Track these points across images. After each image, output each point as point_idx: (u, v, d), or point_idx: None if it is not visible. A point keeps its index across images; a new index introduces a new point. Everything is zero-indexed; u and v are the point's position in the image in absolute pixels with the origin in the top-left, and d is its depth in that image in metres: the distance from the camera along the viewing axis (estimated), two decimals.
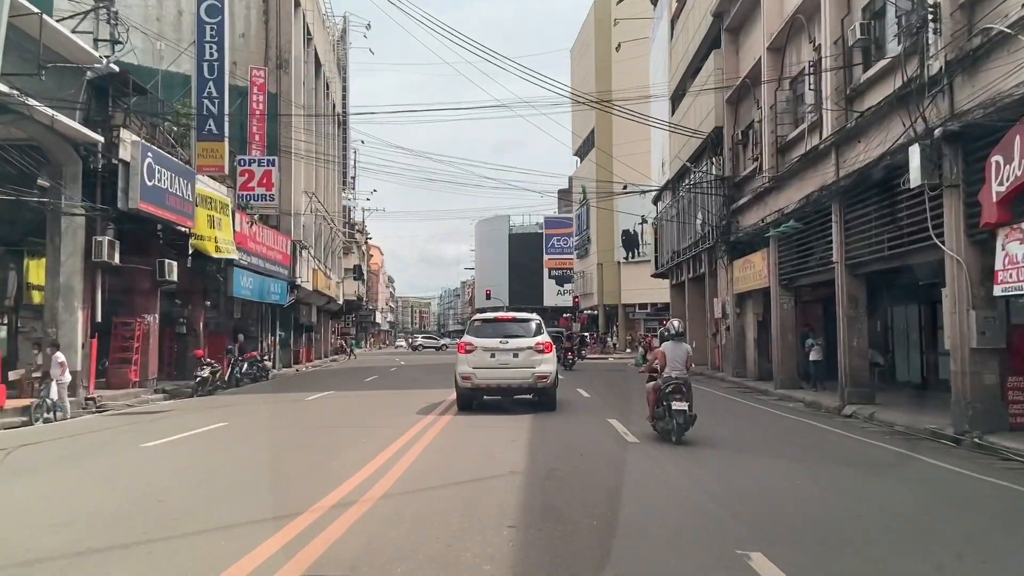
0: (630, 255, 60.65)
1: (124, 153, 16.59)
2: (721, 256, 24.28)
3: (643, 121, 28.55)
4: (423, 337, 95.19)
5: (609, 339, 58.33)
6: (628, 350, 56.28)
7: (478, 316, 15.63)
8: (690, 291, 31.49)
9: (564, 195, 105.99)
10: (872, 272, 14.93)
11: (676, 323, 11.02)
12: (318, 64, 39.94)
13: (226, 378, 23.11)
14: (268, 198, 23.75)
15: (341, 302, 51.91)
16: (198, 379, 19.93)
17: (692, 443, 10.17)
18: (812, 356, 18.13)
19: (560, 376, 15.15)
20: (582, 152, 72.77)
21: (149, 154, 17.06)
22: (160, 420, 14.18)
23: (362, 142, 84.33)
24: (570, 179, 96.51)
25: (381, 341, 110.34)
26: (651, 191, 35.59)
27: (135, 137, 17.03)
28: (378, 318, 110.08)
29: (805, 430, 12.79)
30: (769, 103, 19.37)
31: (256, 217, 28.22)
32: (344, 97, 52.69)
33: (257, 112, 26.44)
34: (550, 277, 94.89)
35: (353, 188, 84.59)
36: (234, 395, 20.25)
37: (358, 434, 11.43)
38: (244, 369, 24.25)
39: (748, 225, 21.50)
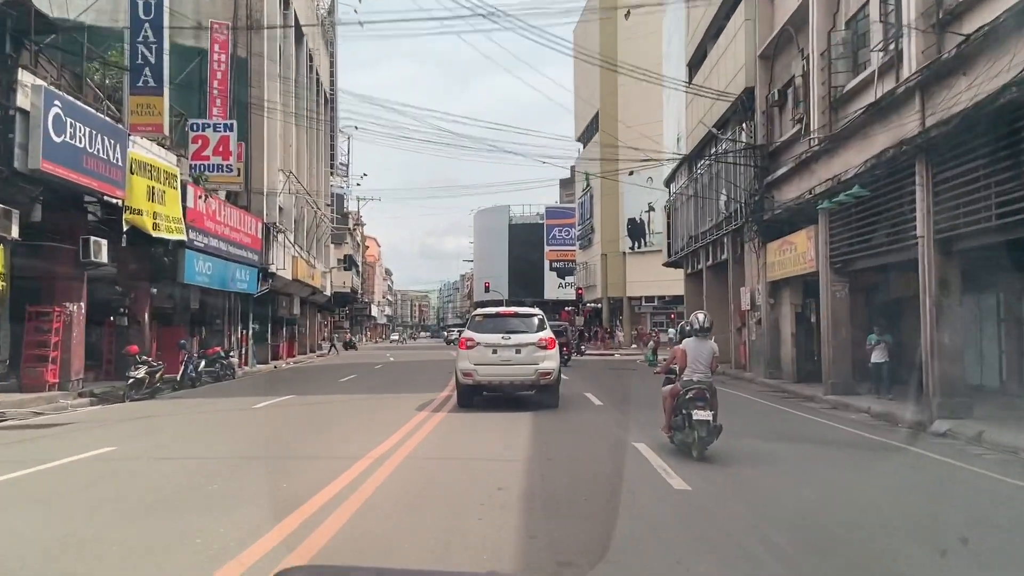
0: (636, 245, 57.32)
1: (23, 100, 13.27)
2: (751, 239, 20.95)
3: (657, 81, 25.25)
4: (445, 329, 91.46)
5: (618, 333, 54.93)
6: (634, 345, 53.00)
7: (479, 311, 15.14)
8: (709, 281, 28.16)
9: (566, 185, 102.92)
10: (970, 249, 11.58)
11: (701, 316, 9.14)
12: (299, 33, 36.56)
13: (179, 378, 19.92)
14: (226, 168, 20.46)
15: (329, 293, 48.61)
16: (131, 380, 16.63)
17: (725, 461, 8.37)
18: (875, 357, 14.80)
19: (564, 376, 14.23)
20: (586, 137, 69.38)
21: (57, 103, 13.73)
22: (40, 439, 10.86)
23: (356, 128, 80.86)
24: (572, 168, 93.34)
25: (378, 335, 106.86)
26: (672, 159, 32.06)
27: (38, 80, 13.69)
28: (374, 311, 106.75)
29: (894, 457, 9.51)
30: (819, 49, 16.01)
31: (223, 196, 24.96)
32: (332, 75, 49.32)
33: (218, 74, 23.09)
34: (551, 269, 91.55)
35: (346, 176, 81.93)
36: (176, 399, 16.96)
37: (283, 470, 8.11)
38: (201, 367, 21.00)
39: (787, 200, 18.16)
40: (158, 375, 17.50)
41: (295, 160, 36.64)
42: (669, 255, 33.61)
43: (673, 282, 55.03)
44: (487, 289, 77.28)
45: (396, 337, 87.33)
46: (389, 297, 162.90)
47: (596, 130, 63.65)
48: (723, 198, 23.53)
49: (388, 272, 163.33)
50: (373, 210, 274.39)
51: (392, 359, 38.30)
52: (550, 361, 13.40)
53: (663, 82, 26.43)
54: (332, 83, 49.17)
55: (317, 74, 42.10)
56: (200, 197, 20.45)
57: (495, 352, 13.29)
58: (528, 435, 10.48)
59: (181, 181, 19.66)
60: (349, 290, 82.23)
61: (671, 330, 49.19)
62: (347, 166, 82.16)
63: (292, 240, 33.91)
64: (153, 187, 17.69)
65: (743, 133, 21.25)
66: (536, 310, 15.19)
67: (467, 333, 13.96)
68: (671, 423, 8.95)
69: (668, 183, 35.52)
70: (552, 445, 9.71)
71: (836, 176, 14.98)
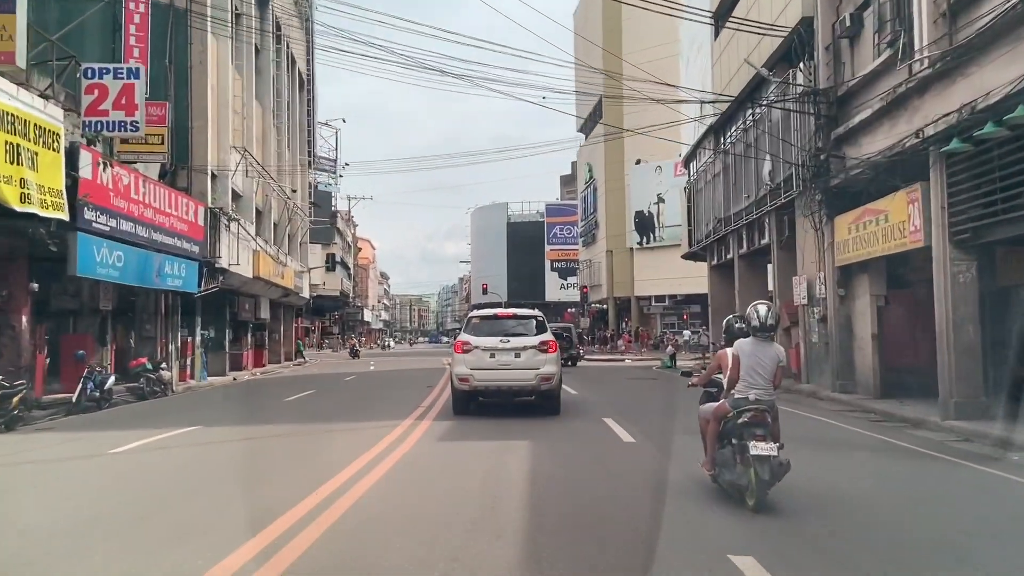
0: (645, 240, 52.71)
1: None
2: (811, 212, 16.26)
3: (679, 14, 20.57)
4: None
5: (629, 336, 50.05)
6: (644, 349, 48.34)
7: (476, 313, 14.58)
8: (742, 272, 23.53)
9: (567, 181, 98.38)
10: None
11: (763, 309, 6.51)
12: None
13: (75, 399, 15.34)
14: (130, 127, 15.78)
15: (307, 296, 43.94)
16: None
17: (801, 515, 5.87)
18: None
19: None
20: (588, 126, 64.74)
21: None
22: None
23: (343, 120, 76.32)
24: (573, 164, 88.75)
25: (373, 340, 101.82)
26: (703, 103, 27.43)
27: None
28: (367, 316, 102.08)
29: None
30: None
31: (159, 177, 20.39)
32: (309, 56, 44.71)
33: (136, 16, 18.46)
34: (552, 270, 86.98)
35: (333, 172, 77.36)
36: (23, 436, 12.26)
37: None
38: (110, 384, 16.38)
39: (870, 153, 13.47)
40: (16, 398, 12.80)
41: (260, 143, 32.02)
42: (691, 244, 28.92)
43: (686, 279, 50.49)
44: (485, 291, 72.75)
45: (391, 343, 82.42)
46: (386, 301, 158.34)
47: (599, 117, 59.03)
48: (767, 167, 18.86)
49: (384, 276, 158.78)
50: (371, 214, 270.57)
51: (373, 367, 33.64)
52: (551, 365, 12.74)
53: (686, 13, 21.61)
54: (309, 65, 44.59)
55: (288, 48, 37.48)
56: (100, 165, 15.79)
57: (493, 356, 12.63)
58: (524, 521, 5.83)
59: (70, 143, 15.03)
60: (338, 293, 77.74)
61: (686, 332, 44.57)
62: (335, 162, 78.01)
63: (253, 232, 29.26)
64: (17, 145, 13.04)
65: (800, 74, 16.54)
66: (536, 311, 14.22)
67: (463, 336, 13.24)
68: (715, 456, 6.64)
69: (688, 162, 30.87)
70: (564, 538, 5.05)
71: (966, 105, 10.30)
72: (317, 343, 78.56)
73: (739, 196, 22.35)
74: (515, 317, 13.69)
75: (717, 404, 6.71)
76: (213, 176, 24.75)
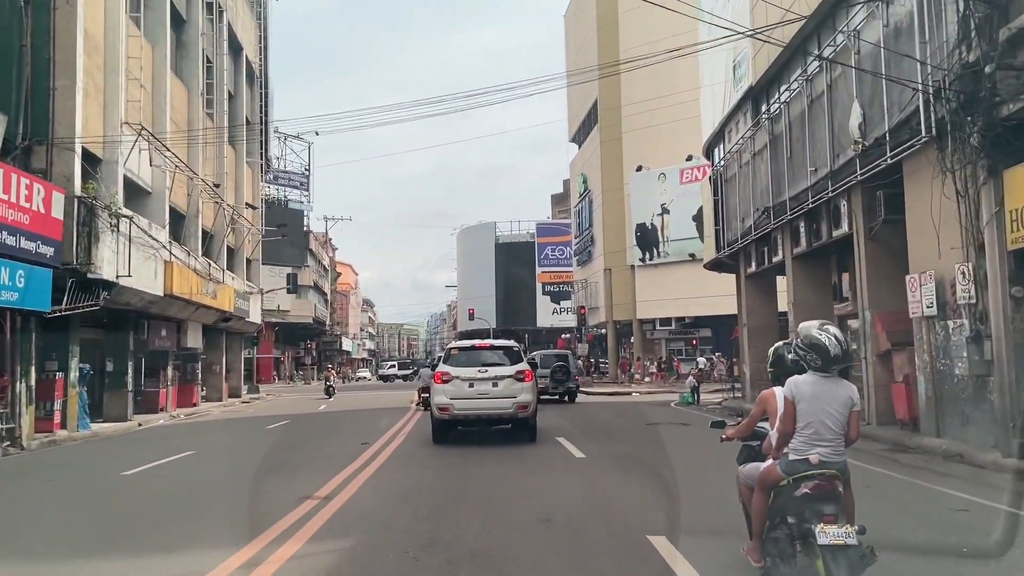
0: (647, 256, 46.72)
1: None
2: (955, 167, 10.22)
3: None
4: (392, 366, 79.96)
5: (647, 364, 43.56)
6: (648, 379, 42.21)
7: (454, 344, 15.40)
8: (798, 278, 17.53)
9: (559, 200, 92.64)
10: None
11: (834, 332, 4.41)
12: None
13: None
14: None
15: (256, 320, 37.65)
16: None
17: None
18: None
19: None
20: (581, 135, 59.12)
21: None
22: None
23: (316, 133, 70.49)
24: (565, 182, 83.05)
25: (353, 370, 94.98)
26: (749, 34, 21.48)
27: None
28: (347, 345, 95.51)
29: None
30: None
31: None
32: (263, 48, 38.89)
33: None
34: (544, 293, 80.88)
35: (306, 189, 71.38)
36: None
37: None
38: None
39: None
40: None
41: (181, 130, 26.00)
42: (718, 249, 22.85)
43: (696, 300, 44.36)
44: (471, 317, 66.63)
45: (366, 375, 75.89)
46: (371, 330, 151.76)
47: (594, 121, 53.41)
48: (855, 117, 12.86)
49: (369, 303, 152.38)
50: (361, 242, 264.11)
51: (323, 408, 27.34)
52: (527, 394, 13.27)
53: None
54: (263, 59, 38.78)
55: (230, 28, 31.62)
56: None
57: (472, 386, 13.13)
58: None
59: None
60: (311, 320, 71.38)
61: (700, 359, 38.45)
62: (308, 178, 72.13)
63: (165, 238, 23.11)
64: None
65: None
66: (512, 342, 15.22)
67: (442, 367, 13.74)
68: (762, 537, 4.62)
69: (710, 149, 24.96)
70: None
71: None
72: (288, 374, 72.04)
73: (797, 174, 16.36)
74: (492, 348, 14.26)
75: (765, 466, 4.65)
76: (92, 158, 18.68)
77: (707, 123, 24.24)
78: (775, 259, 19.01)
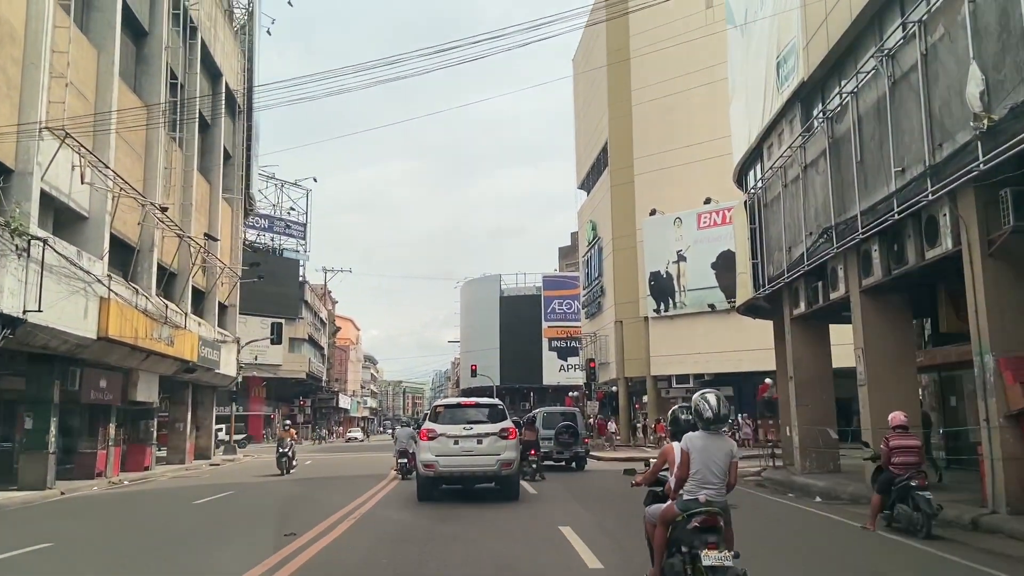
0: (662, 307, 42.98)
1: None
2: None
3: None
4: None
5: (641, 426, 39.18)
6: (663, 437, 37.93)
7: (440, 402, 15.55)
8: (870, 316, 13.81)
9: (566, 254, 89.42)
10: None
11: (713, 398, 5.73)
12: None
13: None
14: None
15: (231, 373, 33.86)
16: None
17: None
18: None
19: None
20: (590, 180, 56.08)
21: None
22: None
23: (315, 179, 67.79)
24: (573, 234, 79.93)
25: (350, 428, 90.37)
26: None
27: None
28: (344, 402, 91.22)
29: None
30: None
31: None
32: (248, 78, 36.06)
33: None
34: (550, 349, 77.10)
35: (303, 238, 68.28)
36: None
37: None
38: None
39: None
40: None
41: (136, 151, 22.78)
42: (756, 287, 19.10)
43: (715, 356, 40.45)
44: (474, 373, 62.77)
45: (358, 435, 71.58)
46: (373, 387, 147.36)
47: (604, 166, 50.34)
48: (975, 83, 9.31)
49: (371, 360, 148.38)
50: (368, 300, 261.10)
51: (287, 475, 23.36)
52: (511, 451, 13.57)
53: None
54: (247, 90, 35.92)
55: (203, 47, 28.71)
56: None
57: (457, 443, 13.37)
58: None
59: None
60: (304, 375, 67.44)
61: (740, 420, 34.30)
62: (305, 226, 69.07)
63: (102, 270, 19.58)
64: None
65: None
66: (496, 400, 15.48)
67: (428, 425, 13.94)
68: (662, 567, 5.86)
69: (742, 172, 21.47)
70: None
71: None
72: (277, 433, 67.74)
73: (872, 182, 12.76)
74: (477, 405, 14.55)
75: (664, 506, 5.99)
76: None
77: (738, 143, 20.80)
78: (833, 295, 15.29)
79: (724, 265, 39.87)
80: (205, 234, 25.65)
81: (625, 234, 46.12)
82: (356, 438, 68.32)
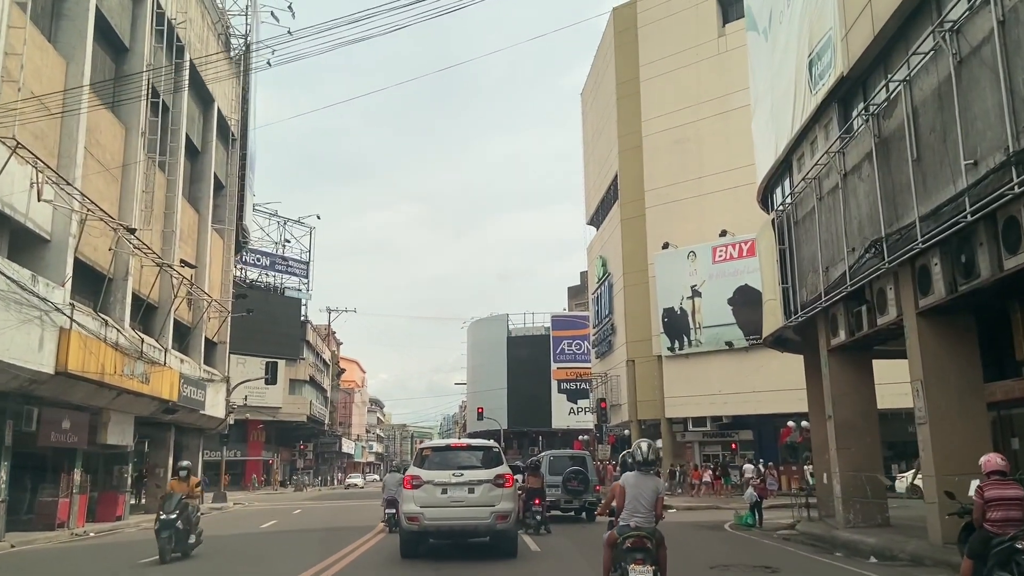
0: (676, 345, 40.86)
1: None
2: None
3: None
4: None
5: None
6: (681, 489, 35.78)
7: (427, 444, 13.57)
8: (930, 342, 11.78)
9: (575, 293, 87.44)
10: None
11: (645, 446, 7.55)
12: None
13: None
14: None
15: (219, 415, 31.81)
16: None
17: None
18: None
19: None
20: (600, 215, 54.43)
21: None
22: None
23: (318, 217, 66.41)
24: (583, 274, 78.10)
25: (351, 473, 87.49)
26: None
27: None
28: (347, 446, 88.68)
29: None
30: None
31: None
32: (244, 111, 34.75)
33: None
34: (560, 391, 74.58)
35: (305, 276, 66.66)
36: None
37: None
38: None
39: None
40: None
41: (106, 172, 21.18)
42: (787, 315, 17.06)
43: (736, 397, 38.08)
44: (480, 416, 60.52)
45: (358, 481, 68.96)
46: (379, 432, 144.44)
47: (614, 199, 48.67)
48: None
49: (378, 403, 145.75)
50: (375, 344, 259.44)
51: (264, 527, 21.20)
52: (507, 502, 11.74)
53: None
54: (242, 118, 34.59)
55: (196, 73, 27.36)
56: None
57: (445, 492, 11.55)
58: None
59: None
60: (305, 418, 65.16)
61: (748, 467, 31.92)
62: (308, 264, 67.48)
63: (64, 300, 17.77)
64: None
65: None
66: (491, 442, 13.23)
67: (412, 470, 12.11)
68: None
69: (767, 191, 19.59)
70: None
71: None
72: (278, 479, 65.23)
73: (932, 182, 10.84)
74: (469, 448, 12.78)
75: (609, 532, 7.40)
76: None
77: (763, 159, 18.95)
78: (882, 320, 13.27)
79: (741, 300, 37.88)
80: (181, 261, 23.82)
81: (636, 269, 44.22)
82: (356, 484, 65.68)
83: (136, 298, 23.09)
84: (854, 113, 13.68)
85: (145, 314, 24.30)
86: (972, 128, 9.80)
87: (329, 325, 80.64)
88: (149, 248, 22.32)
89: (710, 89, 41.02)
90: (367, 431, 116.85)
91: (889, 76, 12.03)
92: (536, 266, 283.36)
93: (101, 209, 18.90)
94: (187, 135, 27.58)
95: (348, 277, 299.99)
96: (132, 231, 19.67)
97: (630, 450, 8.08)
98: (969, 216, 9.71)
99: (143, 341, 22.63)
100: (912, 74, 11.26)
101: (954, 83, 9.99)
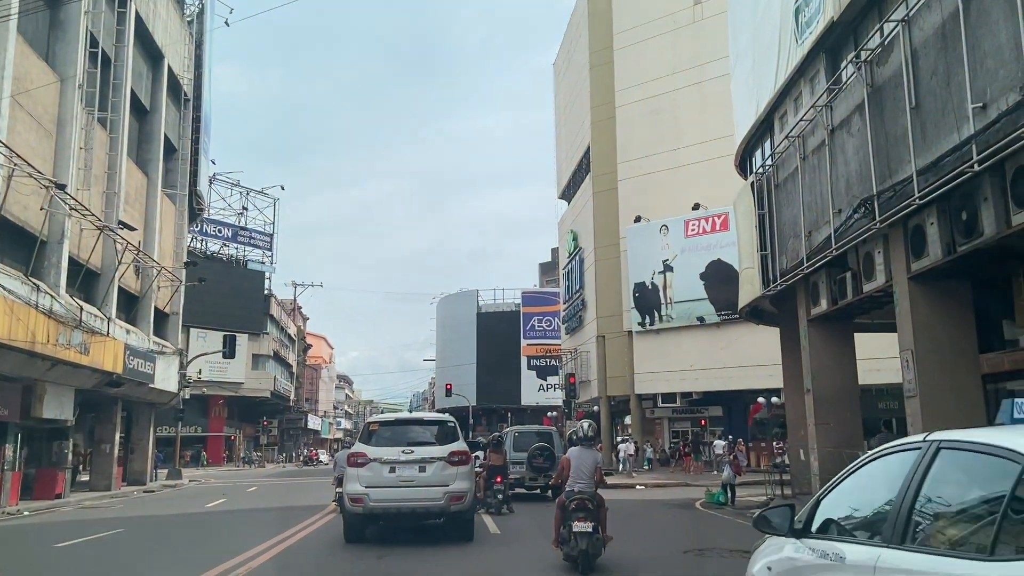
0: (647, 320, 40.03)
1: None
2: None
3: None
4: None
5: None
6: (631, 464, 35.12)
7: (375, 418, 12.66)
8: (922, 309, 10.89)
9: (546, 270, 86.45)
10: None
11: (586, 425, 9.32)
12: None
13: None
14: None
15: (173, 388, 30.36)
16: None
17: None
18: None
19: None
20: (571, 189, 53.33)
21: None
22: None
23: (282, 187, 64.55)
24: (554, 250, 77.09)
25: (321, 448, 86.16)
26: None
27: None
28: (313, 423, 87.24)
29: None
30: None
31: None
32: (197, 71, 32.95)
33: None
34: (529, 368, 73.82)
35: (269, 249, 64.77)
36: None
37: None
38: None
39: None
40: None
41: (38, 123, 19.58)
42: (765, 284, 16.13)
43: (707, 373, 37.45)
44: (449, 392, 59.52)
45: (324, 458, 67.59)
46: (348, 409, 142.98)
47: (586, 172, 47.56)
48: None
49: (347, 380, 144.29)
50: (347, 321, 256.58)
51: (209, 507, 20.00)
52: (463, 481, 10.73)
53: None
54: (195, 79, 32.79)
55: (141, 26, 25.60)
56: None
57: (393, 471, 10.50)
58: None
59: None
60: (268, 394, 63.57)
61: (718, 443, 31.27)
62: (272, 237, 65.52)
63: None
64: None
65: None
66: (446, 416, 12.36)
67: (357, 447, 11.00)
68: (559, 536, 8.83)
69: (744, 160, 18.60)
70: None
71: None
72: (241, 455, 63.71)
73: (933, 130, 9.85)
74: (422, 422, 11.81)
75: (559, 496, 9.08)
76: None
77: (742, 120, 17.92)
78: (868, 287, 12.37)
79: (714, 275, 37.12)
80: (120, 222, 22.28)
81: (608, 244, 43.28)
82: (323, 461, 64.41)
83: (75, 263, 21.57)
84: (844, 62, 12.63)
85: (86, 281, 22.80)
86: (981, 68, 8.80)
87: (295, 299, 78.94)
88: (87, 209, 20.77)
89: (686, 58, 39.92)
90: (335, 408, 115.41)
91: (885, 17, 10.98)
92: (508, 245, 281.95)
93: (30, 164, 17.33)
94: (133, 92, 25.92)
95: (318, 254, 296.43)
96: (62, 187, 18.11)
97: (574, 428, 9.86)
98: (976, 166, 8.73)
99: (82, 309, 21.16)
100: (911, 13, 10.23)
101: (962, 17, 8.96)
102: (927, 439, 3.13)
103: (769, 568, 3.86)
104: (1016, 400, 3.15)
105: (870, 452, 3.68)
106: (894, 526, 2.96)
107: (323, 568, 9.27)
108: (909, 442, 3.30)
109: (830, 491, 3.73)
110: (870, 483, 3.48)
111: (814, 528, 3.60)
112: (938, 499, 2.94)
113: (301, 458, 68.54)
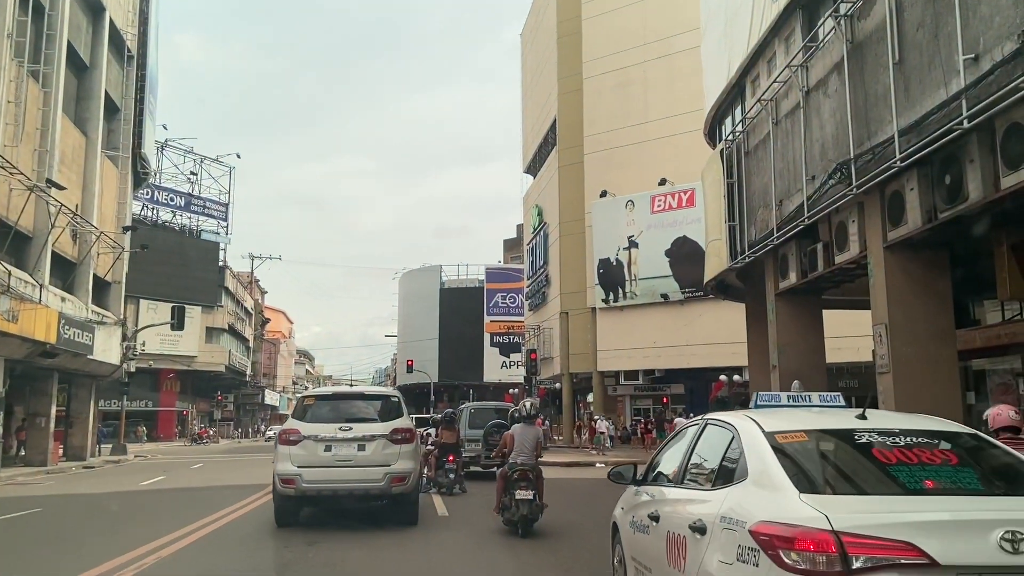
0: (611, 297, 39.42)
1: None
2: None
3: None
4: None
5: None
6: (607, 442, 34.56)
7: (311, 392, 11.76)
8: (896, 281, 10.25)
9: (511, 246, 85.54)
10: None
11: (528, 404, 10.44)
12: None
13: None
14: None
15: (115, 361, 28.97)
16: None
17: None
18: None
19: None
20: (537, 163, 52.36)
21: None
22: None
23: (238, 155, 62.52)
24: (519, 227, 76.18)
25: (278, 423, 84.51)
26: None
27: None
28: (270, 398, 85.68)
29: None
30: None
31: None
32: (143, 26, 31.20)
33: None
34: (492, 345, 73.06)
35: (224, 219, 62.85)
36: None
37: None
38: None
39: None
40: None
41: None
42: (733, 256, 15.43)
43: (669, 350, 37.04)
44: (410, 368, 58.53)
45: (271, 433, 66.18)
46: (308, 384, 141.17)
47: (552, 146, 46.62)
48: None
49: (307, 355, 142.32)
50: (309, 297, 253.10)
51: (143, 485, 18.94)
52: (406, 461, 9.95)
53: None
54: (142, 38, 31.07)
55: None
56: None
57: (328, 449, 9.72)
58: None
59: None
60: (223, 368, 61.98)
61: (679, 420, 30.85)
62: (227, 206, 63.54)
63: None
64: None
65: None
66: (391, 390, 11.97)
67: (290, 423, 10.13)
68: (500, 504, 9.72)
69: (715, 122, 17.83)
70: None
71: None
72: (191, 432, 62.12)
73: (918, 86, 9.12)
74: (363, 397, 11.06)
75: (502, 468, 9.88)
76: None
77: (713, 85, 17.14)
78: (840, 257, 11.72)
79: (679, 252, 36.57)
80: (48, 180, 20.83)
81: (573, 219, 42.50)
82: (273, 434, 62.94)
83: (3, 225, 20.17)
84: (821, 19, 11.85)
85: (16, 244, 21.38)
86: (974, 15, 8.06)
87: (252, 272, 76.97)
88: (15, 167, 19.34)
89: (656, 29, 39.00)
90: (294, 383, 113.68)
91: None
92: (473, 223, 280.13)
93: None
94: (71, 45, 24.32)
95: (280, 228, 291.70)
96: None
97: (517, 408, 10.97)
98: (966, 122, 8.01)
99: (10, 274, 19.77)
100: None
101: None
102: (704, 418, 4.82)
103: (622, 508, 5.68)
104: (759, 393, 4.79)
105: (680, 425, 6.22)
106: (678, 473, 4.67)
107: (242, 558, 8.32)
108: (697, 420, 5.11)
109: (662, 453, 5.45)
110: (679, 446, 5.01)
111: (650, 479, 5.24)
112: (699, 455, 4.54)
113: (261, 433, 67.09)
